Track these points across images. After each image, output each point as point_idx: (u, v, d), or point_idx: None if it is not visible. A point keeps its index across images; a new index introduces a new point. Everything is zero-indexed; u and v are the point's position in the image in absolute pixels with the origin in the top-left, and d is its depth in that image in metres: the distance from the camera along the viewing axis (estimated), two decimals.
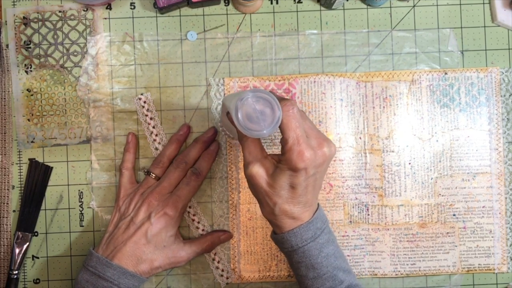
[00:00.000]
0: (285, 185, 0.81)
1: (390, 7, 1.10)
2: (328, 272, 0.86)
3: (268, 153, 0.85)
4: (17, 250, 1.06)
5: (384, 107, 1.07)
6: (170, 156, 1.05)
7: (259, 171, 0.82)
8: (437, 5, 1.09)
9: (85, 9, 1.08)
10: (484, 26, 1.10)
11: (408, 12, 1.09)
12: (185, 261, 1.04)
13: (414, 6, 1.09)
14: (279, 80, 1.07)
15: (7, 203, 1.07)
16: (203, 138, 1.06)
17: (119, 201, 1.04)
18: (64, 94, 1.08)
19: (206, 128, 1.08)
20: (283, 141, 0.79)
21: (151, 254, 0.99)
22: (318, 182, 0.84)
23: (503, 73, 1.08)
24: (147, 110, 1.07)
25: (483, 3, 1.10)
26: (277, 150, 1.08)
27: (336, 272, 0.87)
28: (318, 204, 0.89)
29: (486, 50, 1.09)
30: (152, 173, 1.04)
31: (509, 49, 1.10)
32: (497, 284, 1.09)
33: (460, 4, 1.10)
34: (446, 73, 1.08)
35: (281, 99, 0.79)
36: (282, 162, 0.80)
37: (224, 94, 1.08)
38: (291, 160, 0.79)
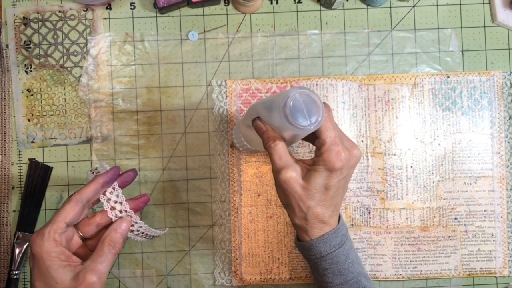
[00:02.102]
0: (319, 186, 0.81)
1: (390, 7, 1.09)
2: (353, 278, 0.87)
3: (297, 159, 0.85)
4: (17, 250, 1.06)
5: (386, 110, 1.07)
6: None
7: (293, 175, 0.82)
8: (437, 5, 1.09)
9: (85, 9, 1.08)
10: (484, 26, 1.09)
11: (408, 12, 1.09)
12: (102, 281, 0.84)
13: (414, 6, 1.09)
14: (282, 83, 1.07)
15: (7, 203, 1.07)
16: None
17: None
18: (64, 94, 1.07)
19: (206, 129, 1.08)
20: (320, 142, 0.80)
21: None
22: (346, 184, 0.85)
23: (505, 77, 1.08)
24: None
25: (483, 3, 1.10)
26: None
27: (360, 277, 0.88)
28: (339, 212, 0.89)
29: (486, 50, 1.09)
30: None
31: (509, 49, 1.10)
32: (497, 284, 1.09)
33: (460, 4, 1.10)
34: (448, 77, 1.08)
35: None
36: (317, 163, 0.81)
37: (226, 96, 1.07)
38: (330, 160, 0.79)
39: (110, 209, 0.87)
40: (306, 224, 0.85)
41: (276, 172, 0.83)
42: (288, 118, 0.75)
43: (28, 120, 1.07)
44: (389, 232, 1.07)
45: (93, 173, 0.91)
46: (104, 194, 0.88)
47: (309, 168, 0.82)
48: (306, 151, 1.08)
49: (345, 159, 0.80)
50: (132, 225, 0.89)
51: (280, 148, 0.82)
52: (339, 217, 0.88)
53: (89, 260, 0.82)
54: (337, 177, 0.81)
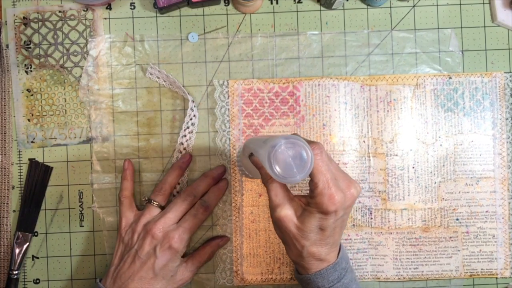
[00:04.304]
0: (314, 228, 0.80)
1: (390, 7, 1.09)
2: None
3: (294, 195, 0.85)
4: (17, 250, 1.06)
5: (388, 110, 1.07)
6: (171, 184, 1.04)
7: (288, 214, 0.81)
8: (437, 5, 1.09)
9: (85, 9, 1.07)
10: (484, 26, 1.09)
11: (408, 12, 1.09)
12: (191, 279, 1.04)
13: (414, 6, 1.09)
14: (283, 83, 1.07)
15: (7, 203, 1.07)
16: (213, 174, 1.06)
17: (121, 231, 1.03)
18: (64, 94, 1.07)
19: (206, 129, 1.08)
20: (313, 185, 0.78)
21: (159, 285, 0.99)
22: (345, 222, 0.84)
23: (507, 78, 1.08)
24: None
25: (483, 3, 1.10)
26: None
27: None
28: (340, 243, 0.89)
29: (486, 50, 1.09)
30: (154, 201, 1.03)
31: (509, 49, 1.10)
32: (497, 284, 1.09)
33: (460, 4, 1.09)
34: (450, 77, 1.08)
35: (308, 142, 0.78)
36: (311, 205, 0.80)
37: (228, 96, 1.07)
38: (322, 204, 0.78)
39: None
40: (302, 261, 0.85)
41: (272, 209, 0.83)
42: (273, 170, 0.74)
43: (28, 120, 1.07)
44: (391, 233, 1.07)
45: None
46: None
47: (304, 207, 0.82)
48: None
49: (339, 202, 0.78)
50: None
51: (277, 185, 0.82)
52: (340, 248, 0.87)
53: None
54: (332, 219, 0.80)
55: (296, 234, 0.81)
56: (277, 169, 0.74)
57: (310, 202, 0.80)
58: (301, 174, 0.74)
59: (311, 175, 0.78)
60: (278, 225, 0.83)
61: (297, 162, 0.74)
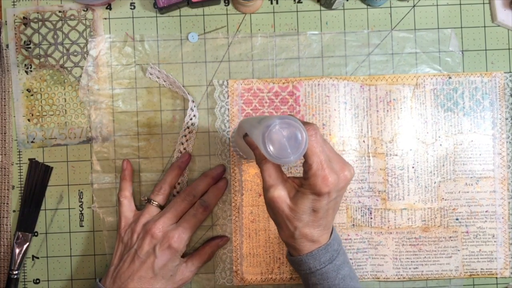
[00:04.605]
0: (307, 209, 0.80)
1: (390, 7, 1.09)
2: None
3: (288, 176, 0.84)
4: (17, 250, 1.06)
5: (388, 110, 1.07)
6: (171, 183, 1.05)
7: (281, 195, 0.81)
8: (437, 5, 1.09)
9: (85, 9, 1.07)
10: (484, 26, 1.09)
11: (408, 12, 1.09)
12: (191, 279, 1.04)
13: (414, 6, 1.09)
14: (283, 83, 1.07)
15: (7, 203, 1.07)
16: (212, 173, 1.06)
17: (121, 231, 1.03)
18: (64, 94, 1.07)
19: (206, 129, 1.08)
20: (307, 166, 0.78)
21: (159, 285, 0.99)
22: (338, 204, 0.84)
23: (507, 78, 1.08)
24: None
25: (483, 3, 1.10)
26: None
27: None
28: (332, 225, 0.88)
29: (486, 50, 1.09)
30: (154, 201, 1.03)
31: (509, 49, 1.10)
32: (497, 284, 1.09)
33: (460, 4, 1.09)
34: (450, 77, 1.08)
35: (304, 124, 0.78)
36: (305, 186, 0.79)
37: (228, 95, 1.07)
38: (316, 185, 0.78)
39: None
40: (294, 242, 0.85)
41: (265, 189, 0.82)
42: (267, 150, 0.74)
43: (28, 120, 1.07)
44: (390, 233, 1.07)
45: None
46: None
47: (297, 189, 0.82)
48: None
49: (332, 183, 0.78)
50: None
51: (270, 165, 0.82)
52: (332, 230, 0.87)
53: None
54: (325, 200, 0.79)
55: (289, 215, 0.81)
56: (271, 149, 0.74)
57: (303, 183, 0.80)
58: (295, 155, 0.74)
59: (305, 156, 0.78)
60: (271, 205, 0.83)
61: (291, 142, 0.74)
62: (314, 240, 0.84)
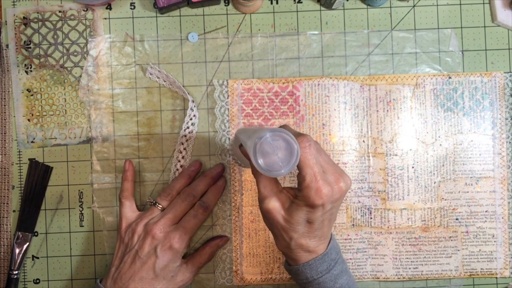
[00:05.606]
0: (301, 220, 0.80)
1: (390, 7, 1.09)
2: None
3: (283, 187, 0.84)
4: (17, 250, 1.06)
5: (387, 110, 1.07)
6: (179, 190, 1.05)
7: (276, 206, 0.80)
8: (437, 5, 1.09)
9: (85, 9, 1.07)
10: (484, 26, 1.09)
11: (408, 12, 1.09)
12: (191, 280, 1.04)
13: (414, 6, 1.09)
14: (283, 83, 1.07)
15: (7, 203, 1.07)
16: (212, 173, 1.06)
17: (122, 232, 1.03)
18: (64, 94, 1.07)
19: (207, 129, 1.08)
20: (300, 178, 0.78)
21: (160, 286, 0.99)
22: (334, 215, 0.83)
23: (507, 78, 1.08)
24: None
25: (483, 3, 1.10)
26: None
27: None
28: (331, 234, 0.88)
29: (486, 50, 1.09)
30: (159, 204, 1.03)
31: (509, 49, 1.10)
32: (497, 284, 1.09)
33: (460, 4, 1.09)
34: (450, 77, 1.08)
35: (296, 135, 0.77)
36: (299, 198, 0.79)
37: (228, 95, 1.07)
38: (309, 197, 0.77)
39: None
40: (290, 253, 0.84)
41: (260, 201, 0.82)
42: (257, 163, 0.73)
43: (28, 120, 1.07)
44: (390, 233, 1.07)
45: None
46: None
47: (292, 200, 0.81)
48: None
49: (326, 195, 0.77)
50: None
51: (265, 177, 0.81)
52: (330, 239, 0.87)
53: None
54: (319, 212, 0.79)
55: (284, 226, 0.81)
56: (261, 161, 0.73)
57: (297, 195, 0.79)
58: (286, 167, 0.73)
59: (298, 168, 0.77)
60: (266, 216, 0.82)
61: (282, 155, 0.74)
62: (310, 251, 0.83)
